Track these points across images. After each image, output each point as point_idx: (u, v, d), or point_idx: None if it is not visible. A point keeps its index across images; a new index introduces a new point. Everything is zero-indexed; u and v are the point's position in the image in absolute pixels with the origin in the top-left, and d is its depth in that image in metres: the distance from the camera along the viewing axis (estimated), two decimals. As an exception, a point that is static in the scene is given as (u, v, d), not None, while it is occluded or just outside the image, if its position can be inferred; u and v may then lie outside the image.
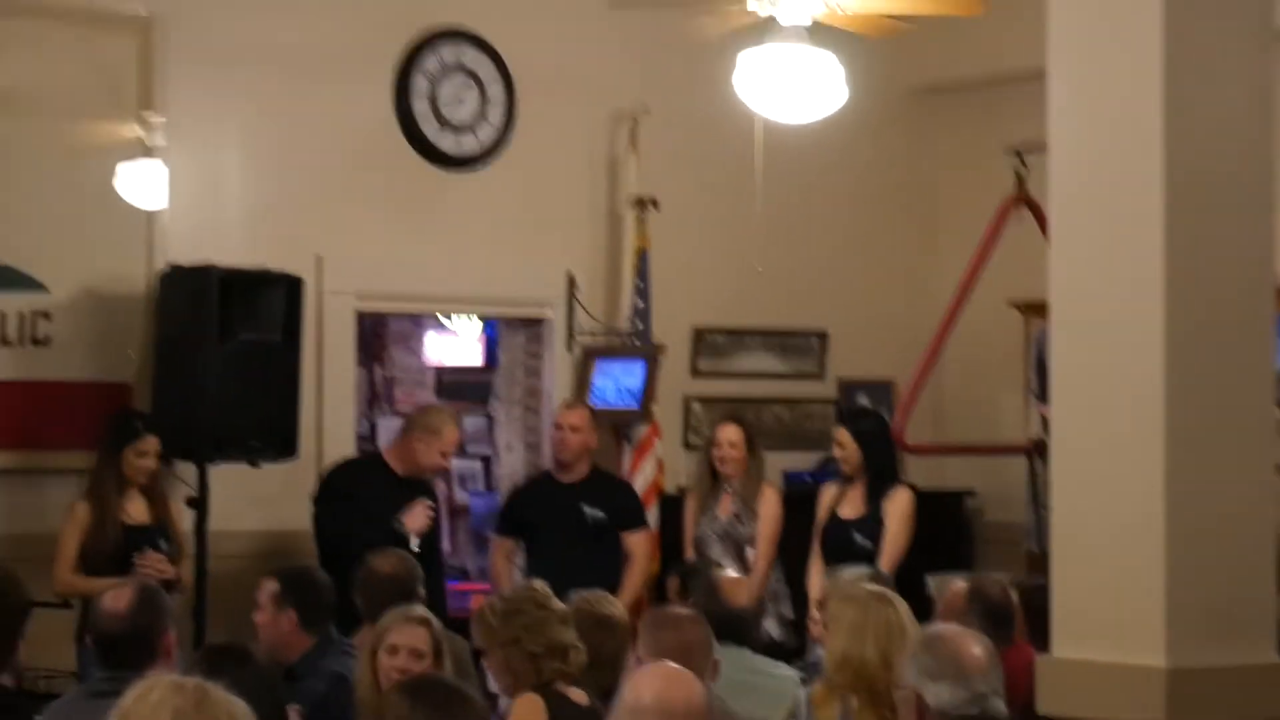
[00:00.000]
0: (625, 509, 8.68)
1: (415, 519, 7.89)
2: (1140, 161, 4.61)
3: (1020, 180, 8.59)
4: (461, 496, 10.85)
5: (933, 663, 4.30)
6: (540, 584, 5.57)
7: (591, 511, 8.53)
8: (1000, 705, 4.29)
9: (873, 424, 8.54)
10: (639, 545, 8.63)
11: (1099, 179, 4.72)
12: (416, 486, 8.10)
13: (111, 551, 7.54)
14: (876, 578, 6.39)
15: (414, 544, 7.68)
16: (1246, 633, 4.60)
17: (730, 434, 8.60)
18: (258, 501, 8.47)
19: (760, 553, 8.45)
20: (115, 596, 5.19)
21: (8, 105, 8.15)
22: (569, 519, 8.48)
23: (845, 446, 8.28)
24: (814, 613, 6.73)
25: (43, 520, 7.90)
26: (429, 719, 4.34)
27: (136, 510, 7.71)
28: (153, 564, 7.46)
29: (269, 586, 6.17)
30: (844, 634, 5.28)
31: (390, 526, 7.79)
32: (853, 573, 6.53)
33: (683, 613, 5.46)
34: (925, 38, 8.81)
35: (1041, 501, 8.55)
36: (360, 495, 7.99)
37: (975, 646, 4.34)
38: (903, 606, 5.38)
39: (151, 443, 7.73)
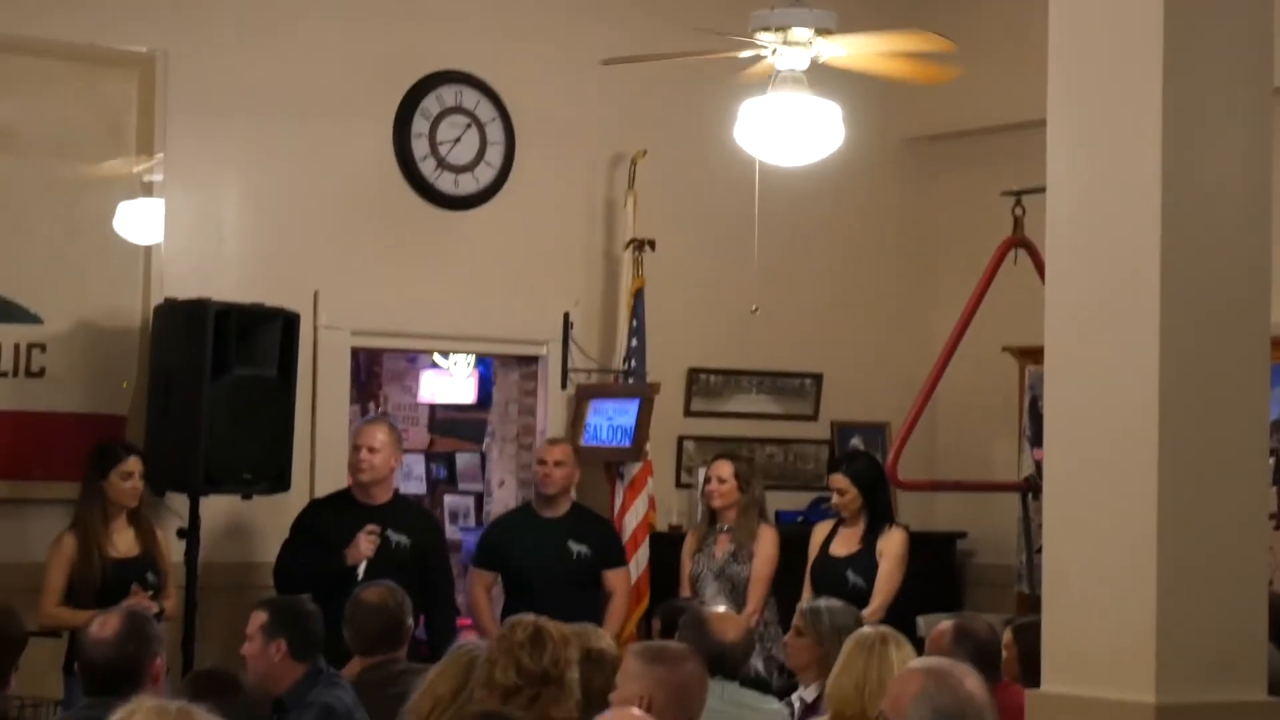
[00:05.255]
0: (608, 546, 8.68)
1: (356, 549, 7.97)
2: (1137, 208, 4.62)
3: (1017, 222, 8.60)
4: (453, 532, 10.84)
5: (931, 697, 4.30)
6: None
7: (577, 547, 8.53)
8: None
9: (867, 464, 8.54)
10: (620, 582, 8.64)
11: (1096, 224, 4.74)
12: (381, 512, 8.15)
13: (98, 585, 7.50)
14: (848, 611, 6.41)
15: (360, 571, 7.82)
16: (1237, 670, 4.60)
17: (719, 469, 8.60)
18: (248, 533, 8.48)
19: (753, 592, 8.44)
20: (102, 624, 5.16)
21: (7, 141, 8.15)
22: (553, 554, 8.48)
23: (844, 491, 8.29)
24: (785, 638, 6.73)
25: (28, 551, 7.89)
26: None
27: (124, 542, 7.68)
28: (139, 603, 7.41)
29: (258, 617, 6.14)
30: (849, 673, 5.31)
31: (337, 559, 7.92)
32: (828, 602, 6.54)
33: (678, 648, 5.34)
34: (923, 87, 8.84)
35: (1033, 542, 8.55)
36: (321, 531, 8.09)
37: (970, 681, 4.33)
38: (908, 647, 5.40)
39: (135, 464, 7.72)
